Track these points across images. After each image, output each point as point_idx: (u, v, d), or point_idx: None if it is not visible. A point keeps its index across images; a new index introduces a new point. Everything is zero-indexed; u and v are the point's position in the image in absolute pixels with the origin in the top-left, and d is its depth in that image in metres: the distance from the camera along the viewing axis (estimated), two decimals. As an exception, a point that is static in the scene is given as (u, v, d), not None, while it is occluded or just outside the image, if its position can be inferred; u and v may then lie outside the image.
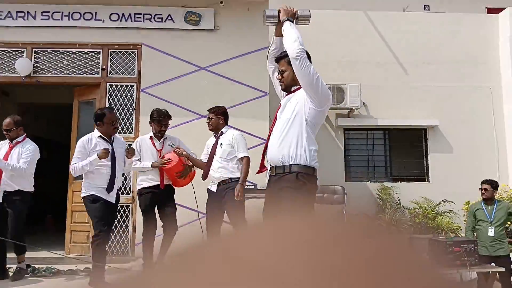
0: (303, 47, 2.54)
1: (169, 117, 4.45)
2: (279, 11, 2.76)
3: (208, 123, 4.27)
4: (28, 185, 4.18)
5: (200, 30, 5.93)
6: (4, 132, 4.21)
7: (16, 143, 4.19)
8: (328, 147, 7.34)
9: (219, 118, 4.21)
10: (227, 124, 4.29)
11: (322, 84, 2.57)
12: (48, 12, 5.82)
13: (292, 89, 2.75)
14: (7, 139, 4.22)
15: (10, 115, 4.42)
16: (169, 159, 4.21)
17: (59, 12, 5.83)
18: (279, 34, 2.77)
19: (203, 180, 4.27)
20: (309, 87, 2.55)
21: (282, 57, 2.75)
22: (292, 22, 2.67)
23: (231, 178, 4.03)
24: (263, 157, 2.83)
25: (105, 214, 3.75)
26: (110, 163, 3.80)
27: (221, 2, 5.92)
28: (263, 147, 2.87)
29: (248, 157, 4.08)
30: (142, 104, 5.70)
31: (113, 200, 3.86)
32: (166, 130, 4.46)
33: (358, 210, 6.45)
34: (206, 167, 4.20)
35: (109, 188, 3.77)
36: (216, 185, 4.13)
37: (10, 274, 4.07)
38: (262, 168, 2.80)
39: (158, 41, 5.85)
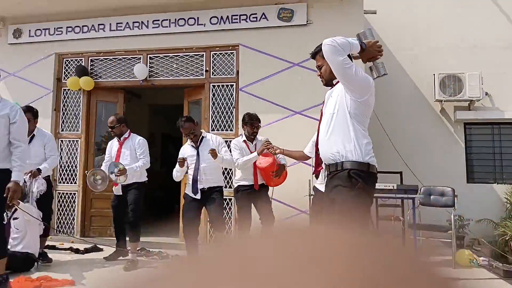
0: (341, 45, 2.43)
1: (259, 120, 4.70)
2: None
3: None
4: (142, 177, 4.76)
5: (293, 26, 6.02)
6: (110, 129, 4.88)
7: (124, 139, 4.78)
8: (445, 143, 6.98)
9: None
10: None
11: (357, 73, 2.45)
12: (158, 20, 6.49)
13: (334, 82, 2.68)
14: (115, 137, 4.86)
15: (114, 114, 5.16)
16: (269, 144, 4.24)
17: (167, 19, 6.45)
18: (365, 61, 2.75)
19: (317, 178, 3.85)
20: (343, 75, 2.45)
21: (317, 52, 2.68)
22: (362, 48, 2.58)
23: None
24: (317, 156, 2.74)
25: None
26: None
27: (313, -4, 5.91)
28: (315, 146, 2.79)
29: None
30: (240, 102, 6.09)
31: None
32: (257, 132, 4.73)
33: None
34: (315, 163, 4.08)
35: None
36: (324, 184, 4.06)
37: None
38: (317, 167, 2.78)
39: (254, 40, 6.12)
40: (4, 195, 3.36)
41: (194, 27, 6.36)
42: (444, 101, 6.81)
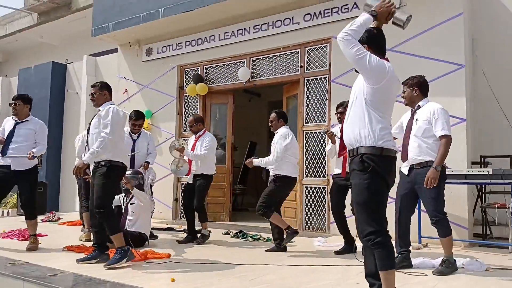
0: (352, 32, 2.50)
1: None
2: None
3: (402, 96, 3.96)
4: (209, 170, 5.29)
5: (385, 11, 5.84)
6: (189, 127, 5.61)
7: (198, 136, 5.40)
8: None
9: (412, 90, 3.89)
10: (425, 97, 3.92)
11: (371, 62, 2.48)
12: (258, 25, 7.00)
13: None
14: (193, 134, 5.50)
15: (193, 114, 5.76)
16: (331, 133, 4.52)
17: (265, 23, 6.91)
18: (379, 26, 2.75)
19: (403, 162, 3.94)
20: (356, 65, 2.55)
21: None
22: (373, 16, 2.61)
23: (427, 162, 3.69)
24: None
25: None
26: None
27: (405, -23, 5.64)
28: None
29: (448, 136, 3.66)
30: (332, 93, 6.18)
31: None
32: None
33: None
34: (402, 148, 3.91)
35: None
36: (408, 167, 3.85)
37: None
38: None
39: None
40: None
41: (289, 27, 6.68)
42: None
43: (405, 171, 3.94)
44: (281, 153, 4.61)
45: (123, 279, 3.31)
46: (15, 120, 4.78)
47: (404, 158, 3.93)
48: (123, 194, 4.95)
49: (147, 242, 4.90)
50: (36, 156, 4.63)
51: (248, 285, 3.27)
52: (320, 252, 4.76)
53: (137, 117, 5.54)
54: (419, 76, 3.99)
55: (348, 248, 4.54)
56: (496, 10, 6.67)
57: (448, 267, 3.68)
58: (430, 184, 3.62)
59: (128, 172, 4.66)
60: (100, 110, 4.08)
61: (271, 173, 4.77)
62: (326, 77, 6.34)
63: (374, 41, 2.65)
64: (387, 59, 2.66)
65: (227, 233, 5.88)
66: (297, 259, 4.30)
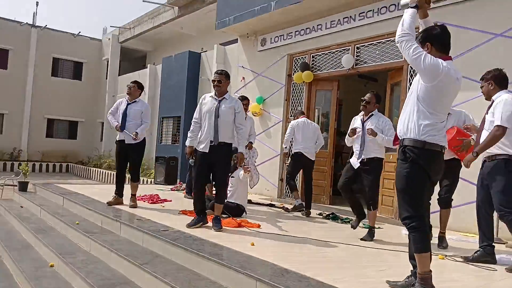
0: (406, 31, 2.71)
1: None
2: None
3: (482, 92, 4.00)
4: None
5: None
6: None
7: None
8: None
9: (489, 84, 3.90)
10: (502, 89, 3.85)
11: (425, 61, 2.64)
12: (363, 12, 7.10)
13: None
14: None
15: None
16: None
17: (371, 10, 6.98)
18: (422, 17, 2.94)
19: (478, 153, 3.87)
20: (412, 65, 2.74)
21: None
22: (415, 7, 2.80)
23: (496, 155, 3.69)
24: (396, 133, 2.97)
25: None
26: None
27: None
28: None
29: (500, 127, 3.59)
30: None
31: None
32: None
33: None
34: (476, 141, 3.95)
35: None
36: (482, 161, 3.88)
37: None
38: (395, 141, 2.93)
39: (451, 15, 5.90)
40: (235, 161, 5.15)
41: (394, 13, 6.65)
42: None
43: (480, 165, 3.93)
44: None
45: (214, 239, 4.09)
46: (127, 101, 5.99)
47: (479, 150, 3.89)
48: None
49: (244, 212, 5.67)
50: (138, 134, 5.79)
51: (311, 257, 3.75)
52: (401, 238, 4.91)
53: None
54: (494, 70, 3.91)
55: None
56: None
57: (531, 264, 3.60)
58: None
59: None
60: (225, 98, 4.81)
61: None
62: (428, 64, 6.20)
63: (437, 39, 2.80)
64: (450, 58, 2.80)
65: (320, 214, 6.34)
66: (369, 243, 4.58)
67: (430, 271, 2.70)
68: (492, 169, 3.71)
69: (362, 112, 4.91)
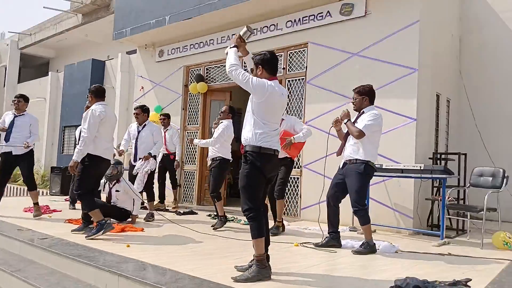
0: (234, 63, 3.29)
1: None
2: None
3: (352, 103, 4.56)
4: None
5: (353, 18, 6.39)
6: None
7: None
8: None
9: (363, 98, 4.44)
10: (372, 104, 4.48)
11: (253, 83, 3.21)
12: (255, 29, 7.74)
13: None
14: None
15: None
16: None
17: (255, 29, 7.62)
18: (245, 54, 3.54)
19: (337, 156, 4.66)
20: (244, 87, 3.28)
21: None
22: (235, 47, 3.42)
23: (356, 159, 4.33)
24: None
25: None
26: None
27: (369, -13, 6.14)
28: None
29: (362, 132, 4.27)
30: (307, 94, 6.83)
31: None
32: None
33: None
34: (340, 145, 4.63)
35: None
36: (343, 162, 4.52)
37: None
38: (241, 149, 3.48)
39: (319, 36, 6.75)
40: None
41: (274, 32, 7.38)
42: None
43: (340, 165, 4.63)
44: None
45: (92, 243, 4.32)
46: (14, 114, 6.05)
47: (339, 152, 4.65)
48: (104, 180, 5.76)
49: (130, 218, 5.86)
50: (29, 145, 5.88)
51: (181, 252, 4.16)
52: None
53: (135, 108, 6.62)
54: (369, 87, 4.57)
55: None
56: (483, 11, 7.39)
57: (366, 248, 4.33)
58: (337, 120, 4.57)
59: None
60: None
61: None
62: (303, 78, 6.99)
63: (267, 63, 3.41)
64: (276, 78, 3.43)
65: (209, 215, 6.80)
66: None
67: (264, 253, 3.25)
68: (351, 171, 4.37)
69: None
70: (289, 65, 7.25)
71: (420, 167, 5.00)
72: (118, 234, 4.98)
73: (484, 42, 7.49)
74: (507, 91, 7.20)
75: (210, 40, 8.38)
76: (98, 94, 5.00)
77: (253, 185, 3.30)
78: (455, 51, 7.52)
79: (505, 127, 7.15)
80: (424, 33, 5.87)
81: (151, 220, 6.11)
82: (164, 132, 7.61)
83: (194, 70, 8.82)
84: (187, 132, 8.80)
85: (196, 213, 7.03)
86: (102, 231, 4.72)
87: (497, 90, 7.28)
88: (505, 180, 4.92)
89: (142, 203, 6.67)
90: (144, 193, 6.42)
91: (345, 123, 4.54)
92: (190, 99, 8.88)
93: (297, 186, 6.89)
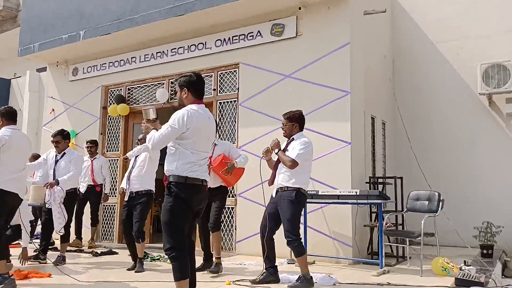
0: (154, 142, 3.02)
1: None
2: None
3: (282, 128, 4.33)
4: None
5: (284, 39, 6.19)
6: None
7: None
8: (494, 139, 7.01)
9: (293, 124, 4.25)
10: (301, 130, 4.29)
11: (179, 122, 2.95)
12: (175, 48, 7.24)
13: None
14: None
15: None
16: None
17: (182, 47, 7.16)
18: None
19: (269, 186, 4.31)
20: (173, 137, 3.03)
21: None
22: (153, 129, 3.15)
23: (288, 187, 4.07)
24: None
25: None
26: None
27: (300, 8, 6.00)
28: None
29: (295, 161, 4.01)
30: (240, 116, 6.46)
31: None
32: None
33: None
34: (272, 173, 4.30)
35: None
36: (275, 190, 4.24)
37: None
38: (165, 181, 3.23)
39: (250, 57, 6.45)
40: None
41: (202, 51, 6.95)
42: (490, 93, 6.92)
43: (273, 193, 4.28)
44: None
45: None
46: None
47: (271, 182, 4.28)
48: None
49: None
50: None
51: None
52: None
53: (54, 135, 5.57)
54: (300, 113, 4.32)
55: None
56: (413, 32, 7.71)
57: (302, 282, 3.99)
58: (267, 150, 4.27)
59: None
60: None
61: None
62: (235, 100, 6.62)
63: (193, 86, 3.14)
64: (202, 102, 3.15)
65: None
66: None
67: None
68: (283, 198, 4.08)
69: None
70: (220, 86, 6.84)
71: (356, 192, 4.83)
72: (21, 283, 4.12)
73: (416, 63, 7.73)
74: (440, 113, 7.42)
75: (132, 58, 7.71)
76: (10, 116, 4.24)
77: (178, 220, 2.93)
78: (389, 73, 7.67)
79: (439, 149, 7.33)
80: (355, 55, 5.82)
81: (61, 264, 5.22)
82: (92, 161, 6.83)
83: (114, 90, 8.05)
84: (109, 160, 7.93)
85: (117, 253, 6.20)
86: (1, 286, 3.89)
87: (431, 112, 7.48)
88: (440, 203, 4.90)
89: (52, 243, 5.77)
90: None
91: (276, 153, 4.25)
92: (109, 123, 8.06)
93: (232, 217, 6.40)
